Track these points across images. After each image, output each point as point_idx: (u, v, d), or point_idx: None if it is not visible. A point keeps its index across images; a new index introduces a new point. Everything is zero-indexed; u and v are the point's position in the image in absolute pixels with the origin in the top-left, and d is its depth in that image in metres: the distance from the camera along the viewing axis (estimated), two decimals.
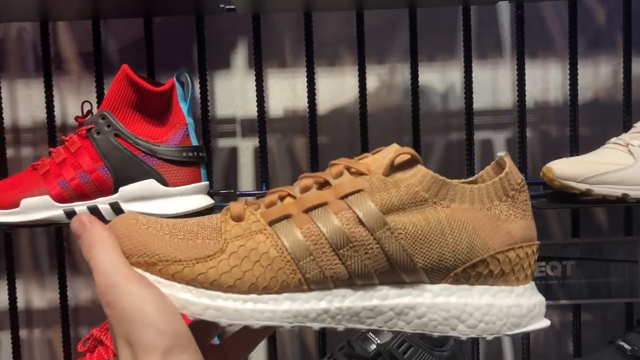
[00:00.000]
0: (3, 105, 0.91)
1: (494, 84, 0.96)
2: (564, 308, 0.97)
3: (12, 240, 0.93)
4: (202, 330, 0.41)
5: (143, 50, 0.90)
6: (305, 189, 0.38)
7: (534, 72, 0.95)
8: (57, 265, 0.93)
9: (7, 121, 0.93)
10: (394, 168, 0.38)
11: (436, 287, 0.38)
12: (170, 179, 0.77)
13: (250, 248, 0.36)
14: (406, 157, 0.38)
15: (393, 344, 0.74)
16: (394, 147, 0.39)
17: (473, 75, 0.89)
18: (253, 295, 0.36)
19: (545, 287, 0.87)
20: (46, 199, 0.75)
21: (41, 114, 0.96)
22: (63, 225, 0.77)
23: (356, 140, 0.91)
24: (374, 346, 0.74)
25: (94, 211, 0.76)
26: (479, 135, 0.95)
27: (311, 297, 0.37)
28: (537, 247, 0.39)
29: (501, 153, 0.40)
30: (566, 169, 0.77)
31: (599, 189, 0.75)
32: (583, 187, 0.76)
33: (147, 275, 0.36)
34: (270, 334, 0.41)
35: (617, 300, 0.89)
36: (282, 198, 0.39)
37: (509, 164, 0.39)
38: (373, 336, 0.75)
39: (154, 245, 0.36)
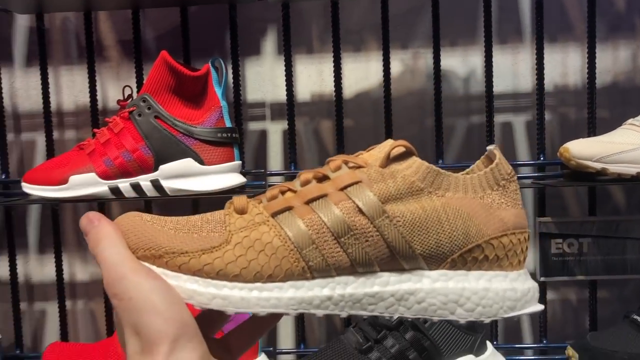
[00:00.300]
0: (49, 91, 0.98)
1: (514, 68, 0.99)
2: (581, 284, 1.00)
3: (58, 216, 1.00)
4: (207, 323, 0.42)
5: (179, 37, 0.95)
6: (305, 183, 0.40)
7: (553, 57, 0.97)
8: None
9: (52, 106, 0.99)
10: (390, 160, 0.40)
11: (434, 273, 0.39)
12: (206, 158, 0.82)
13: (255, 238, 0.38)
14: (401, 149, 0.40)
15: None
16: (389, 141, 0.41)
17: (494, 59, 0.92)
18: (258, 284, 0.37)
19: (562, 264, 0.91)
20: (92, 176, 0.81)
21: (83, 99, 1.03)
22: (107, 201, 0.83)
23: (380, 123, 0.95)
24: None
25: (137, 188, 0.82)
26: (499, 118, 0.99)
27: (314, 285, 0.38)
28: (528, 234, 0.41)
29: (491, 146, 0.42)
30: (582, 148, 0.80)
31: (613, 168, 0.78)
32: (598, 166, 0.79)
33: (154, 268, 0.37)
34: (272, 326, 0.43)
35: (632, 277, 0.92)
36: (283, 192, 0.40)
37: (499, 156, 0.41)
38: None
39: (159, 239, 0.38)
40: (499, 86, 0.98)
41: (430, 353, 0.77)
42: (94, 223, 0.38)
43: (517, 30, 0.99)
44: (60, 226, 1.01)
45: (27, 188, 0.83)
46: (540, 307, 0.40)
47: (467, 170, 0.43)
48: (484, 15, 0.91)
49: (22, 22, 1.04)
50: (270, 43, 1.02)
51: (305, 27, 1.01)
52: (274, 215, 0.39)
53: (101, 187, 0.82)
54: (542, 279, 0.91)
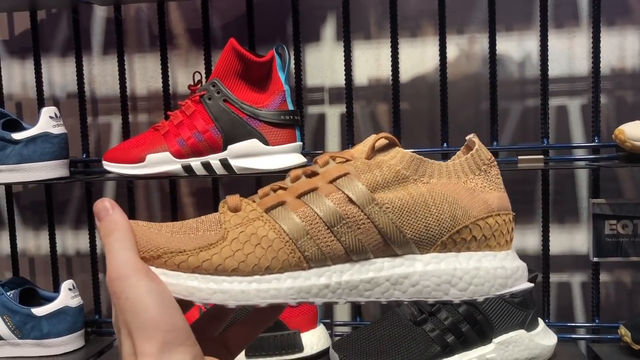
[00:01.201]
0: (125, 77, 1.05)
1: (570, 52, 1.00)
2: (635, 266, 1.01)
3: (133, 193, 1.07)
4: (205, 325, 0.44)
5: (244, 25, 1.01)
6: (295, 179, 0.41)
7: (610, 40, 0.98)
8: (170, 218, 1.07)
9: (127, 91, 1.07)
10: (374, 152, 0.41)
11: (426, 257, 0.40)
12: (271, 138, 0.88)
13: (250, 233, 0.39)
14: (384, 141, 0.41)
15: None
16: (373, 135, 0.42)
17: (550, 43, 0.94)
18: (257, 276, 0.38)
19: (616, 245, 0.92)
20: (167, 155, 0.88)
21: (155, 84, 1.10)
22: (180, 178, 0.90)
23: (436, 106, 0.98)
24: None
25: (207, 166, 0.88)
26: (554, 102, 1.00)
27: (311, 274, 0.39)
28: (513, 216, 0.43)
29: (469, 135, 0.44)
30: (637, 131, 0.81)
31: None
32: None
33: (153, 269, 0.38)
34: (270, 323, 0.44)
35: None
36: (274, 190, 0.41)
37: (478, 143, 0.43)
38: None
39: (157, 240, 0.38)
40: (554, 70, 0.99)
41: (482, 326, 0.81)
42: (108, 211, 0.39)
43: (573, 14, 1.00)
44: (135, 203, 1.09)
45: (108, 166, 0.91)
46: (531, 285, 0.41)
47: (448, 161, 0.45)
48: None
49: (100, 14, 1.12)
50: (329, 30, 1.06)
51: (363, 14, 1.05)
52: (268, 210, 0.40)
53: (175, 165, 0.88)
54: (595, 259, 0.93)
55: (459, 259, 0.40)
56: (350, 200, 0.39)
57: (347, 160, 0.41)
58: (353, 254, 0.39)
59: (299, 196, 0.40)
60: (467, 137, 0.44)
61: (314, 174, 0.41)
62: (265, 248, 0.38)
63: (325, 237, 0.39)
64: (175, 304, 0.37)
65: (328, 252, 0.39)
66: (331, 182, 0.40)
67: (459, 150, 0.45)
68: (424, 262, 0.40)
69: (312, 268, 0.39)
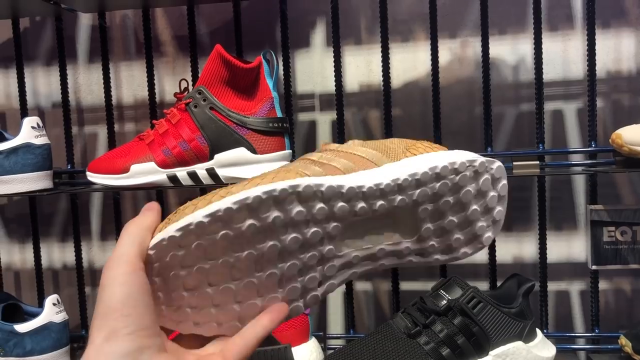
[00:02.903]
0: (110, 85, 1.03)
1: (564, 55, 0.98)
2: (635, 274, 0.98)
3: (119, 204, 1.05)
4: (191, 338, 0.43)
5: (232, 31, 0.99)
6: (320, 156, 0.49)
7: (606, 43, 0.96)
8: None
9: (113, 100, 1.05)
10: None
11: (404, 160, 0.48)
12: (259, 147, 0.85)
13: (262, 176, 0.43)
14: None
15: (463, 299, 0.79)
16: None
17: (544, 46, 0.92)
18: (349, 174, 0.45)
19: (614, 252, 0.89)
20: (152, 165, 0.86)
21: (142, 93, 1.08)
22: (166, 189, 0.88)
23: (429, 112, 0.96)
24: (444, 301, 0.80)
25: (193, 176, 0.86)
26: (549, 106, 0.98)
27: (313, 178, 0.45)
28: None
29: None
30: (635, 135, 0.79)
31: None
32: None
33: (173, 224, 0.39)
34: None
35: None
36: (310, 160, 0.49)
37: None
38: (443, 293, 0.81)
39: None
40: (549, 73, 0.97)
41: (478, 338, 0.78)
42: (144, 210, 0.41)
43: (567, 17, 0.98)
44: (121, 214, 1.06)
45: (92, 177, 0.88)
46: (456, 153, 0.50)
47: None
48: (533, 1, 0.91)
49: (85, 21, 1.09)
50: (319, 35, 1.04)
51: (353, 19, 1.03)
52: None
53: (160, 176, 0.86)
54: (594, 267, 0.90)
55: (426, 155, 0.48)
56: (327, 149, 0.49)
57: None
58: (346, 170, 0.45)
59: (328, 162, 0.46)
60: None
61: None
62: (276, 173, 0.43)
63: (318, 162, 0.46)
64: (147, 302, 0.37)
65: (323, 169, 0.44)
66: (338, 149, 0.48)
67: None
68: (402, 161, 0.47)
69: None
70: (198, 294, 0.41)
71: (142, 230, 0.39)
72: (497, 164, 0.48)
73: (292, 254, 0.42)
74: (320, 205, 0.42)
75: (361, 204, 0.44)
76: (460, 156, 0.46)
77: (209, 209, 0.39)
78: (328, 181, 0.42)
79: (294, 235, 0.42)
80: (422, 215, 0.47)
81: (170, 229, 0.39)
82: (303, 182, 0.41)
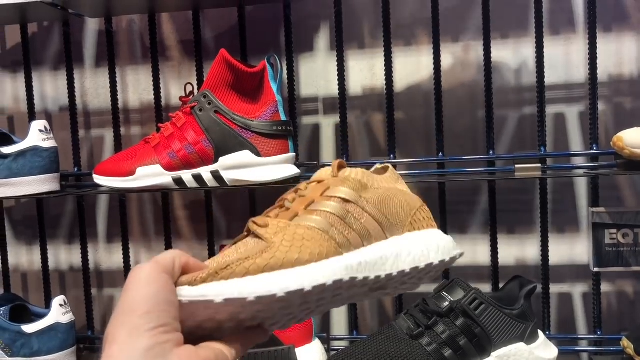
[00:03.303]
0: (117, 89, 1.04)
1: (566, 59, 0.99)
2: (636, 275, 0.99)
3: (125, 207, 1.06)
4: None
5: (236, 36, 1.00)
6: (292, 200, 0.50)
7: (608, 46, 0.97)
8: (163, 231, 1.06)
9: (119, 104, 1.06)
10: (337, 171, 0.52)
11: (405, 235, 0.51)
12: (263, 150, 0.87)
13: (292, 233, 0.45)
14: (339, 163, 0.52)
15: (465, 301, 0.80)
16: (324, 169, 0.53)
17: (546, 50, 0.92)
18: (313, 263, 0.44)
19: (616, 254, 0.90)
20: (157, 167, 0.87)
21: (148, 97, 1.09)
22: (171, 191, 0.89)
23: (431, 115, 0.97)
24: (446, 303, 0.80)
25: (198, 178, 0.87)
26: (551, 109, 0.99)
27: (347, 258, 0.46)
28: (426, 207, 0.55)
29: (378, 165, 0.58)
30: (636, 137, 0.79)
31: None
32: None
33: (222, 282, 0.41)
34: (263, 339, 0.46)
35: None
36: (280, 207, 0.49)
37: (390, 167, 0.57)
38: (446, 294, 0.81)
39: (218, 259, 0.43)
40: (551, 77, 0.97)
41: (480, 340, 0.79)
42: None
43: (569, 21, 0.99)
44: (127, 216, 1.07)
45: (98, 179, 0.90)
46: (461, 251, 0.54)
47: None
48: (534, 6, 0.92)
49: (91, 26, 1.11)
50: (323, 39, 1.05)
51: (356, 23, 1.04)
52: (291, 219, 0.47)
53: (165, 178, 0.87)
54: (596, 269, 0.91)
55: (423, 234, 0.52)
56: (345, 200, 0.49)
57: (320, 182, 0.51)
58: (364, 239, 0.48)
59: (306, 207, 0.48)
60: (376, 167, 0.58)
61: (301, 196, 0.50)
62: (310, 239, 0.45)
63: (343, 227, 0.48)
64: (169, 300, 0.39)
65: (350, 239, 0.47)
66: (322, 194, 0.49)
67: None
68: (406, 238, 0.51)
69: (343, 254, 0.46)
70: (213, 328, 0.44)
71: (174, 253, 0.42)
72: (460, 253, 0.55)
73: (313, 309, 0.48)
74: (355, 289, 0.47)
75: (377, 284, 0.48)
76: (452, 251, 0.53)
77: (261, 290, 0.41)
78: (367, 272, 0.46)
79: (324, 303, 0.47)
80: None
81: (217, 294, 0.40)
82: (354, 274, 0.45)
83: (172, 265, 0.41)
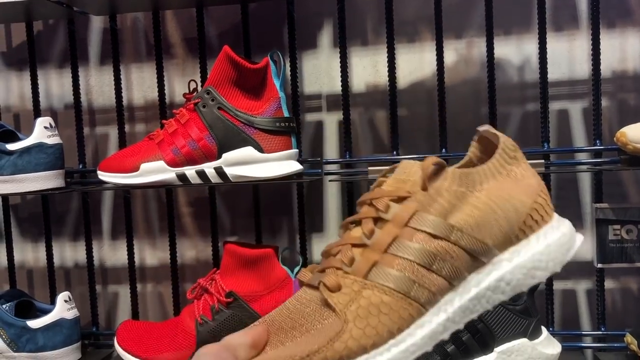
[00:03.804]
0: (121, 87, 1.05)
1: (570, 55, 0.99)
2: None
3: (130, 204, 1.07)
4: None
5: (240, 33, 1.00)
6: (370, 233, 0.42)
7: (611, 42, 0.96)
8: (167, 228, 1.06)
9: (124, 101, 1.07)
10: (429, 181, 0.43)
11: (506, 254, 0.43)
12: (266, 146, 0.87)
13: (367, 305, 0.40)
14: (432, 167, 0.43)
15: None
16: (414, 165, 0.44)
17: (549, 46, 0.92)
18: (392, 341, 0.39)
19: (620, 250, 0.90)
20: (161, 164, 0.87)
21: (152, 94, 1.09)
22: (175, 187, 0.89)
23: (434, 112, 0.97)
24: None
25: (202, 174, 0.87)
26: (555, 105, 0.99)
27: (431, 316, 0.41)
28: (545, 187, 0.47)
29: (483, 127, 0.47)
30: (639, 133, 0.79)
31: None
32: None
33: None
34: None
35: None
36: (355, 245, 0.42)
37: (499, 134, 0.46)
38: None
39: (285, 352, 0.38)
40: (554, 73, 0.97)
41: (483, 335, 0.79)
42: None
43: (573, 17, 0.99)
44: (132, 213, 1.08)
45: (102, 175, 0.90)
46: (581, 236, 0.46)
47: (465, 159, 0.48)
48: (537, 2, 0.92)
49: (96, 24, 1.11)
50: (326, 36, 1.05)
51: (359, 20, 1.04)
52: (366, 276, 0.41)
53: (169, 174, 0.87)
54: (600, 265, 0.90)
55: (531, 244, 0.43)
56: (433, 236, 0.41)
57: (406, 198, 0.43)
58: (454, 280, 0.41)
59: (385, 250, 0.41)
60: (481, 129, 0.47)
61: (381, 220, 0.42)
62: (387, 312, 0.40)
63: (430, 279, 0.41)
64: None
65: (437, 290, 0.41)
66: (406, 225, 0.42)
67: (472, 145, 0.48)
68: (507, 259, 0.43)
69: (428, 310, 0.41)
70: None
71: (246, 333, 0.40)
72: None
73: None
74: None
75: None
76: (567, 252, 0.45)
77: None
78: (455, 325, 0.42)
79: None
80: None
81: None
82: (441, 337, 0.41)
83: (237, 349, 0.39)
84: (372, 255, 0.41)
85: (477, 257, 0.42)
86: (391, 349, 0.39)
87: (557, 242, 0.44)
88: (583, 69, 0.98)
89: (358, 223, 0.44)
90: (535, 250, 0.43)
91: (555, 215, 0.45)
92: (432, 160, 0.43)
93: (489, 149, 0.48)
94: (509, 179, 0.44)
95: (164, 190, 1.06)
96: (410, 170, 0.44)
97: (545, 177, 0.94)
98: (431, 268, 0.41)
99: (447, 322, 0.41)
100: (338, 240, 0.45)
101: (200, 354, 0.39)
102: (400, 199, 0.43)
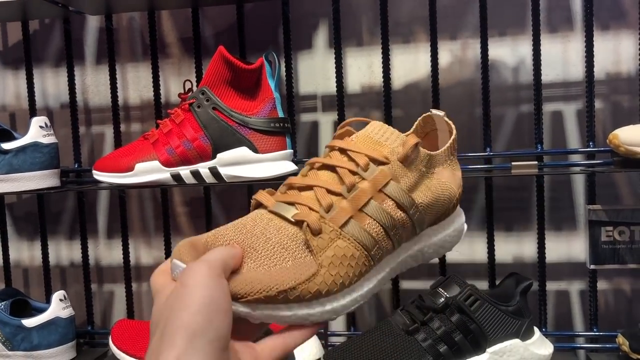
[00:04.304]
0: (117, 86, 1.05)
1: (564, 57, 0.99)
2: (632, 273, 0.99)
3: (125, 203, 1.07)
4: (246, 330, 0.43)
5: (235, 33, 1.01)
6: (351, 186, 0.46)
7: (605, 44, 0.97)
8: (162, 227, 1.06)
9: (119, 100, 1.07)
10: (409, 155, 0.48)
11: (429, 231, 0.51)
12: (260, 146, 0.87)
13: (340, 255, 0.44)
14: (413, 147, 0.48)
15: (460, 297, 0.80)
16: (390, 132, 0.48)
17: (544, 48, 0.93)
18: (346, 290, 0.45)
19: (612, 252, 0.90)
20: (156, 164, 0.88)
21: (148, 94, 1.10)
22: (169, 187, 0.89)
23: None
24: (442, 299, 0.81)
25: (196, 174, 0.87)
26: (549, 107, 0.99)
27: (375, 272, 0.47)
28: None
29: (437, 112, 0.53)
30: (632, 135, 0.80)
31: None
32: None
33: (281, 307, 0.41)
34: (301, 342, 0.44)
35: None
36: (331, 193, 0.46)
37: (452, 126, 0.53)
38: (442, 290, 0.82)
39: (263, 280, 0.41)
40: (549, 75, 0.98)
41: (476, 336, 0.79)
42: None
43: (567, 19, 0.99)
44: (127, 213, 1.08)
45: (98, 175, 0.90)
46: (466, 225, 0.55)
47: (411, 130, 0.56)
48: (532, 4, 0.92)
49: (92, 24, 1.11)
50: (321, 37, 1.05)
51: (355, 21, 1.04)
52: (342, 227, 0.45)
53: (164, 174, 0.88)
54: (592, 266, 0.91)
55: (445, 226, 0.52)
56: (399, 206, 0.47)
57: (384, 164, 0.47)
58: (397, 246, 0.48)
59: (360, 209, 0.46)
60: (439, 113, 0.53)
61: (358, 176, 0.47)
62: (353, 266, 0.45)
63: (386, 242, 0.47)
64: (227, 309, 0.38)
65: (386, 252, 0.47)
66: (380, 190, 0.46)
67: (422, 119, 0.56)
68: (427, 234, 0.51)
69: (374, 267, 0.46)
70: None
71: (224, 253, 0.41)
72: None
73: None
74: None
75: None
76: (460, 234, 0.55)
77: (317, 318, 0.44)
78: (394, 273, 0.50)
79: None
80: None
81: (280, 319, 0.43)
82: (384, 282, 0.49)
83: (225, 268, 0.40)
84: (349, 209, 0.45)
85: (416, 231, 0.49)
86: (345, 296, 0.44)
87: (459, 227, 0.54)
88: (577, 71, 0.99)
89: (329, 167, 0.47)
90: (446, 233, 0.52)
91: (459, 208, 0.54)
92: (415, 140, 0.47)
93: (428, 128, 0.55)
94: (449, 168, 0.51)
95: (159, 189, 1.07)
96: (386, 134, 0.48)
97: (538, 178, 0.95)
98: (389, 233, 0.46)
99: (382, 280, 0.47)
100: (302, 174, 0.49)
101: (189, 269, 0.39)
102: (378, 162, 0.47)
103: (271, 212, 0.46)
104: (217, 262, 0.39)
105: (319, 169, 0.48)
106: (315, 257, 0.43)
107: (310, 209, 0.45)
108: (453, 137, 0.52)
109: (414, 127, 0.56)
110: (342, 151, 0.48)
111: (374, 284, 0.46)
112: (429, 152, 0.49)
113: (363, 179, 0.46)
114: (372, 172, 0.46)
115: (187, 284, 0.37)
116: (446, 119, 0.52)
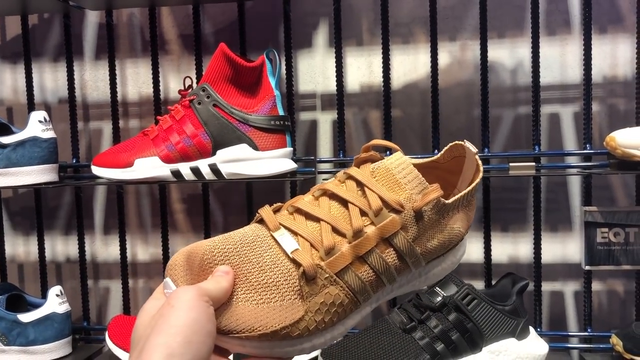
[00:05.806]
0: (116, 82, 1.05)
1: (562, 60, 1.00)
2: (628, 275, 1.00)
3: (122, 199, 1.07)
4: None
5: (236, 31, 1.01)
6: (357, 232, 0.45)
7: (602, 48, 0.98)
8: (160, 224, 1.06)
9: (118, 96, 1.07)
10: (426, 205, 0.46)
11: (427, 267, 0.49)
12: (260, 144, 0.87)
13: (328, 301, 0.44)
14: (434, 202, 0.46)
15: (457, 296, 0.81)
16: (412, 172, 0.46)
17: (542, 51, 0.93)
18: (329, 328, 0.45)
19: (607, 253, 0.91)
20: (155, 159, 0.88)
21: (147, 90, 1.10)
22: (169, 183, 0.89)
23: (428, 113, 0.98)
24: (439, 298, 0.81)
25: (196, 171, 0.88)
26: (546, 109, 1.00)
27: (362, 308, 0.47)
28: None
29: (471, 146, 0.49)
30: (628, 137, 0.81)
31: None
32: None
33: (254, 345, 0.42)
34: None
35: None
36: (336, 232, 0.45)
37: (481, 166, 0.49)
38: (439, 290, 0.82)
39: (247, 317, 0.42)
40: (546, 77, 0.99)
41: (472, 334, 0.80)
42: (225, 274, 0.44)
43: (565, 22, 1.00)
44: (124, 209, 1.08)
45: (96, 170, 0.90)
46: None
47: (434, 158, 0.52)
48: (531, 6, 0.93)
49: (92, 19, 1.11)
50: (321, 36, 1.06)
51: (355, 20, 1.05)
52: (337, 274, 0.44)
53: (163, 171, 0.88)
54: (587, 267, 0.92)
55: (445, 258, 0.50)
56: (399, 256, 0.46)
57: (398, 212, 0.45)
58: (389, 284, 0.47)
59: (361, 256, 0.45)
60: (472, 148, 0.49)
61: (367, 217, 0.45)
62: (339, 312, 0.45)
63: (378, 284, 0.46)
64: (209, 331, 0.39)
65: (376, 291, 0.46)
66: (386, 239, 0.45)
67: (448, 149, 0.52)
68: (428, 269, 0.49)
69: (360, 307, 0.46)
70: None
71: (222, 288, 0.42)
72: None
73: None
74: None
75: None
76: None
77: (297, 354, 0.45)
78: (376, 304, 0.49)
79: None
80: None
81: (262, 353, 0.43)
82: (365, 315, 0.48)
83: (214, 300, 0.41)
84: (349, 255, 0.44)
85: (411, 271, 0.47)
86: (326, 334, 0.45)
87: (458, 258, 0.51)
88: (575, 74, 1.00)
89: (341, 200, 0.46)
90: (442, 267, 0.50)
91: None
92: (437, 193, 0.45)
93: (456, 153, 0.52)
94: (465, 210, 0.49)
95: (157, 186, 1.07)
96: (409, 175, 0.46)
97: (535, 179, 0.95)
98: (381, 277, 0.45)
99: (364, 313, 0.47)
100: (313, 195, 0.47)
101: (178, 291, 0.40)
102: (391, 209, 0.45)
103: (272, 237, 0.45)
104: (206, 291, 0.40)
105: (331, 197, 0.47)
106: (304, 301, 0.43)
107: (312, 245, 0.44)
108: (478, 180, 0.49)
109: (442, 152, 0.52)
110: (359, 183, 0.46)
111: (356, 320, 0.47)
112: (445, 201, 0.47)
113: (372, 223, 0.45)
114: (383, 219, 0.45)
115: (173, 304, 0.39)
116: (477, 157, 0.49)
